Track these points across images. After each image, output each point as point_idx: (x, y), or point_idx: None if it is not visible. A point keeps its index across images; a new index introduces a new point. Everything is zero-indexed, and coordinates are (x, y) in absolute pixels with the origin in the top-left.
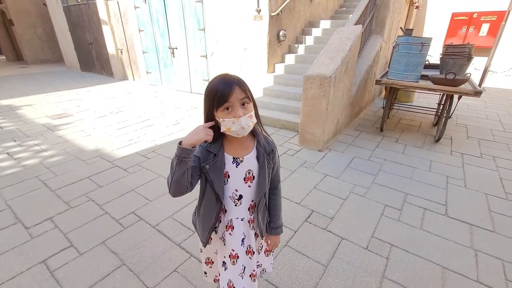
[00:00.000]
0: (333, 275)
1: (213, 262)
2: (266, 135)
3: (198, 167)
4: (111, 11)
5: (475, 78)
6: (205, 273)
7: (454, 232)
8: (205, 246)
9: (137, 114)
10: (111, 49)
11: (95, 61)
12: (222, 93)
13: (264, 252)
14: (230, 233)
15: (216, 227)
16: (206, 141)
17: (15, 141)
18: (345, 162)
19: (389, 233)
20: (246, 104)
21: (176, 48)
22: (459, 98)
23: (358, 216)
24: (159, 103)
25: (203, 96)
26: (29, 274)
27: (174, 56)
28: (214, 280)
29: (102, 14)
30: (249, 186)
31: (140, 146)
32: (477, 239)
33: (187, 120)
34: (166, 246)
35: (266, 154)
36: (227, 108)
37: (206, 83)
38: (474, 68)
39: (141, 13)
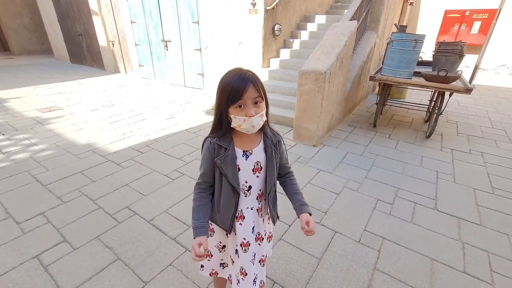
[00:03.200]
0: (327, 268)
1: (212, 256)
2: (270, 127)
3: (213, 165)
4: (102, 1)
5: (466, 75)
6: (202, 266)
7: (443, 226)
8: (230, 233)
9: (130, 108)
10: (102, 41)
11: (85, 53)
12: (236, 90)
13: (267, 239)
14: (240, 223)
15: (237, 216)
16: (216, 137)
17: (3, 134)
18: (338, 157)
19: (381, 226)
20: (258, 102)
21: (170, 41)
22: (450, 95)
23: (351, 210)
24: (152, 97)
25: (216, 88)
26: (22, 269)
27: (167, 49)
28: (210, 273)
29: (93, 4)
30: (257, 176)
31: (134, 140)
32: (464, 232)
33: (181, 115)
34: (161, 241)
35: (273, 146)
36: (240, 106)
37: (201, 77)
38: (465, 66)
39: (133, 4)
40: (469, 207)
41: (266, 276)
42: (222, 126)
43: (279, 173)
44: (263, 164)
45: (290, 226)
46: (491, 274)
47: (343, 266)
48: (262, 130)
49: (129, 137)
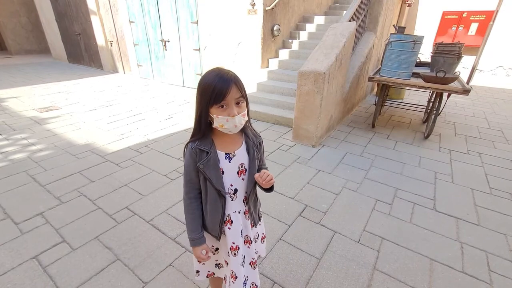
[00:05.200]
0: (326, 268)
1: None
2: (252, 128)
3: (198, 170)
4: (100, 1)
5: (463, 76)
6: (197, 272)
7: (441, 226)
8: (219, 239)
9: (128, 108)
10: (100, 40)
11: (83, 53)
12: (219, 90)
13: (261, 240)
14: (229, 227)
15: (225, 220)
16: (196, 140)
17: (1, 134)
18: (337, 158)
19: (380, 227)
20: (240, 103)
21: (168, 41)
22: (448, 96)
23: (350, 211)
24: (151, 97)
25: (196, 89)
26: (21, 270)
27: (166, 49)
28: (207, 275)
29: (91, 3)
30: (242, 179)
31: (132, 140)
32: (463, 232)
33: (180, 115)
34: (161, 241)
35: (255, 147)
36: (222, 106)
37: (199, 77)
38: (462, 67)
39: (131, 3)
40: (467, 207)
41: (266, 276)
42: (201, 128)
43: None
44: (247, 166)
45: (290, 226)
46: (489, 273)
47: (342, 266)
48: (244, 131)
49: (128, 137)
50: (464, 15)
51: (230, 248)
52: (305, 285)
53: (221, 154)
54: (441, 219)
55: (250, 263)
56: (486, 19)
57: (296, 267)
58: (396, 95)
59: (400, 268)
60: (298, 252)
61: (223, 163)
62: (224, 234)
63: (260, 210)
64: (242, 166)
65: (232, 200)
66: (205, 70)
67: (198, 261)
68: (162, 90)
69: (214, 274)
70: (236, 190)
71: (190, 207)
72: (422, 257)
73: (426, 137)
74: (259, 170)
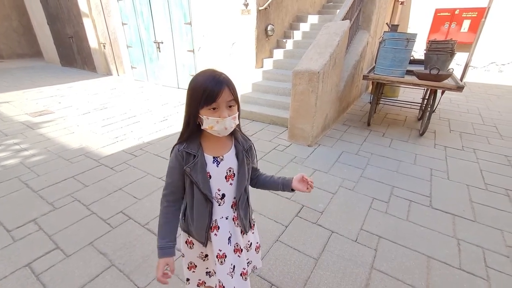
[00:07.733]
0: (324, 268)
1: (196, 266)
2: (242, 132)
3: (183, 174)
4: (92, 3)
5: (457, 73)
6: (188, 280)
7: (438, 223)
8: (206, 246)
9: (123, 111)
10: (93, 43)
11: (76, 56)
12: (211, 92)
13: (255, 250)
14: (215, 234)
15: (211, 226)
16: (183, 143)
17: None
18: (333, 157)
19: (377, 225)
20: (232, 106)
21: (162, 42)
22: (443, 93)
23: (347, 210)
24: (145, 99)
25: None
26: (13, 278)
27: (159, 51)
28: (197, 284)
29: (83, 6)
30: (230, 184)
31: (127, 143)
32: (459, 229)
33: (175, 117)
34: (156, 245)
35: (245, 151)
36: (214, 108)
37: None
38: (456, 64)
39: (124, 5)
40: (463, 204)
41: (263, 278)
42: (189, 130)
43: (250, 177)
44: (235, 171)
45: (286, 227)
46: (486, 269)
47: (340, 266)
48: (234, 135)
49: (122, 140)
50: (456, 12)
51: (217, 256)
52: (302, 286)
53: (208, 158)
54: (438, 216)
55: (241, 274)
56: (478, 16)
57: (293, 268)
58: (391, 93)
59: (398, 266)
60: (295, 253)
61: (211, 167)
62: (211, 240)
63: (253, 217)
64: (230, 170)
65: (219, 205)
66: (199, 71)
67: (188, 269)
68: (156, 92)
69: (205, 283)
70: (223, 195)
71: (165, 211)
72: (419, 254)
73: (421, 134)
74: (253, 172)
